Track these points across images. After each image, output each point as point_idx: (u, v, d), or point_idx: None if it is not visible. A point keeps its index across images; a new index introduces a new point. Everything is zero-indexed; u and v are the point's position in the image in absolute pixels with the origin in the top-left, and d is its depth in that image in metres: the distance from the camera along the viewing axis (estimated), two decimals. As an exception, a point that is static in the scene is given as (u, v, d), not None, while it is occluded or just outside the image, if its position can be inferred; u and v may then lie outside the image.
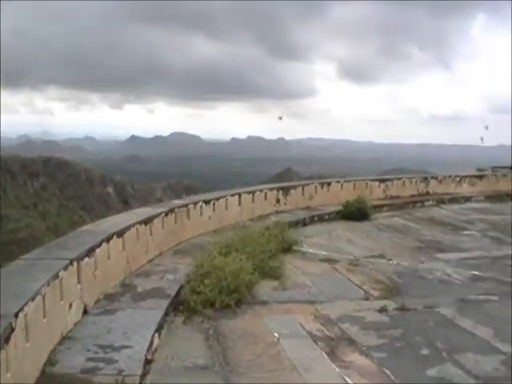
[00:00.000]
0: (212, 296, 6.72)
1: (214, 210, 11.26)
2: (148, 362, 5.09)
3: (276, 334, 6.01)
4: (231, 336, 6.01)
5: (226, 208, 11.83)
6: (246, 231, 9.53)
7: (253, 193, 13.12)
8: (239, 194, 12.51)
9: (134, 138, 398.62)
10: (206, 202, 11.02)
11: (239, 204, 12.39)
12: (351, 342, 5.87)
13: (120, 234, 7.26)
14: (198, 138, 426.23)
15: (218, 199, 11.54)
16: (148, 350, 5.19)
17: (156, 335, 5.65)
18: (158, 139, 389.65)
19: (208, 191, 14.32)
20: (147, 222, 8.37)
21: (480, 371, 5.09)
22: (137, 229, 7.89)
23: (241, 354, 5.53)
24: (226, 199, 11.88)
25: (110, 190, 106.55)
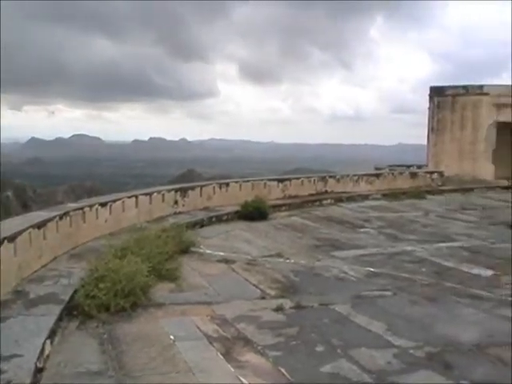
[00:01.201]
0: (107, 300, 6.90)
1: (110, 213, 11.56)
2: (39, 370, 5.18)
3: (172, 337, 6.27)
4: (126, 340, 6.20)
5: (123, 210, 12.18)
6: (143, 233, 9.82)
7: (150, 194, 13.60)
8: (136, 196, 12.96)
9: (34, 140, 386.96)
10: (103, 205, 11.31)
11: (136, 206, 12.82)
12: (247, 341, 6.22)
13: (11, 238, 7.28)
14: (99, 139, 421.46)
15: (114, 201, 11.87)
16: (39, 358, 5.27)
17: (48, 342, 5.73)
18: (58, 141, 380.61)
19: (110, 193, 14.55)
20: (40, 226, 8.47)
21: (373, 365, 5.57)
22: (29, 233, 7.94)
23: (135, 357, 5.74)
24: (123, 201, 12.24)
25: (9, 193, 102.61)
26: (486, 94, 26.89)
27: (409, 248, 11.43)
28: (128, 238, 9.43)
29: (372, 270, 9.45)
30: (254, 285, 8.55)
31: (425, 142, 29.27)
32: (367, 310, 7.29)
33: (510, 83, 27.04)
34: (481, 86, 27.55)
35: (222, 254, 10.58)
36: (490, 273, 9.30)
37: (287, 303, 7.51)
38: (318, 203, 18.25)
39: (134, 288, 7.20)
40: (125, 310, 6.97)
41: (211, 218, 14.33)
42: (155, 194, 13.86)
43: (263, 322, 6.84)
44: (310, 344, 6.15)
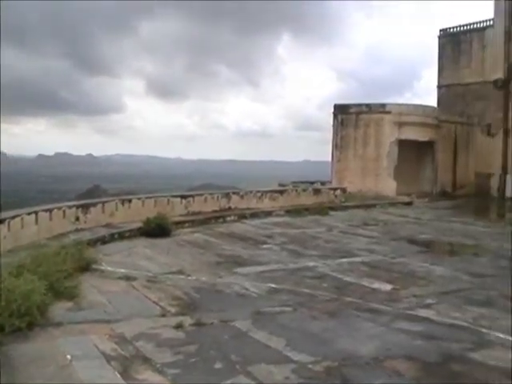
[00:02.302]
0: (1, 320, 6.74)
1: (9, 230, 11.34)
2: None
3: (69, 356, 6.20)
4: (22, 360, 6.09)
5: (22, 227, 12.00)
6: (41, 251, 9.74)
7: (50, 211, 13.49)
8: (36, 213, 12.82)
9: None
10: (1, 222, 11.04)
11: (36, 223, 12.70)
12: (145, 359, 6.23)
13: None
14: (3, 154, 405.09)
15: (13, 218, 11.66)
16: None
17: None
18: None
19: (15, 209, 14.23)
20: None
21: (271, 381, 5.70)
22: None
23: (31, 378, 5.66)
24: (22, 218, 12.06)
25: None
26: (389, 112, 28.11)
27: (311, 264, 11.76)
28: (25, 255, 9.27)
29: (273, 286, 9.66)
30: (154, 302, 8.57)
31: (329, 158, 30.17)
32: (267, 325, 7.45)
33: (411, 102, 28.34)
34: (383, 105, 28.77)
35: (123, 271, 10.56)
36: (389, 287, 9.71)
37: (187, 320, 7.55)
38: (221, 220, 18.56)
39: (30, 307, 7.06)
40: (21, 330, 6.84)
41: (113, 234, 14.34)
42: (55, 210, 13.73)
43: (163, 340, 6.87)
44: (209, 361, 6.22)
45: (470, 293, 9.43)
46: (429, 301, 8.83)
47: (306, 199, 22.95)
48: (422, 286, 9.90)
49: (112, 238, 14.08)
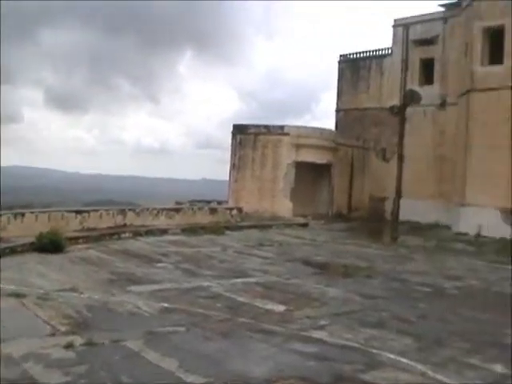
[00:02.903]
0: None
1: None
2: None
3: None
4: None
5: None
6: None
7: None
8: None
9: None
10: None
11: None
12: (33, 381, 6.03)
13: None
14: None
15: None
16: None
17: None
18: None
19: None
20: None
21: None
22: None
23: None
24: None
25: None
26: (287, 134, 28.72)
27: (205, 283, 11.78)
28: None
29: (167, 305, 9.61)
30: (44, 321, 8.32)
31: (228, 178, 30.42)
32: (160, 346, 7.39)
33: (310, 125, 29.12)
34: (282, 127, 29.38)
35: (12, 287, 10.20)
36: (283, 308, 9.87)
37: (78, 340, 7.38)
38: (116, 236, 18.34)
39: None
40: None
41: (4, 249, 13.88)
42: None
43: (52, 361, 6.67)
44: (99, 382, 6.11)
45: (362, 314, 9.74)
46: (322, 322, 9.04)
47: (202, 218, 23.04)
48: (315, 308, 10.13)
49: (3, 253, 13.57)
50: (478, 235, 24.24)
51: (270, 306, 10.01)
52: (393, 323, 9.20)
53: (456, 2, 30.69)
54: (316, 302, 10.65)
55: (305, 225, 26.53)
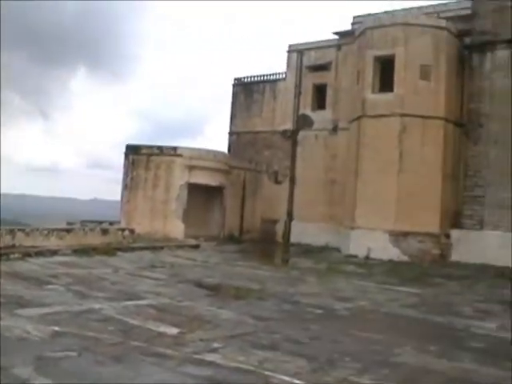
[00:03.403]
0: None
1: None
2: None
3: None
4: None
5: None
6: None
7: None
8: None
9: None
10: None
11: None
12: None
13: None
14: None
15: None
16: None
17: None
18: None
19: None
20: None
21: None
22: None
23: None
24: None
25: None
26: (180, 155, 28.82)
27: (96, 306, 11.56)
28: None
29: (57, 329, 9.35)
30: None
31: (120, 198, 30.09)
32: (50, 372, 7.18)
33: (202, 146, 29.33)
34: (175, 148, 29.46)
35: None
36: (175, 331, 9.84)
37: (-41, 369, 7.06)
38: (4, 257, 17.68)
39: None
40: None
41: None
42: None
43: None
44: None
45: (255, 336, 9.86)
46: (215, 345, 9.09)
47: (94, 239, 22.62)
48: (208, 330, 10.16)
49: None
50: (368, 257, 25.17)
51: (162, 328, 9.96)
52: (286, 345, 9.36)
53: (349, 31, 32.03)
54: (209, 324, 10.68)
55: (197, 246, 26.58)
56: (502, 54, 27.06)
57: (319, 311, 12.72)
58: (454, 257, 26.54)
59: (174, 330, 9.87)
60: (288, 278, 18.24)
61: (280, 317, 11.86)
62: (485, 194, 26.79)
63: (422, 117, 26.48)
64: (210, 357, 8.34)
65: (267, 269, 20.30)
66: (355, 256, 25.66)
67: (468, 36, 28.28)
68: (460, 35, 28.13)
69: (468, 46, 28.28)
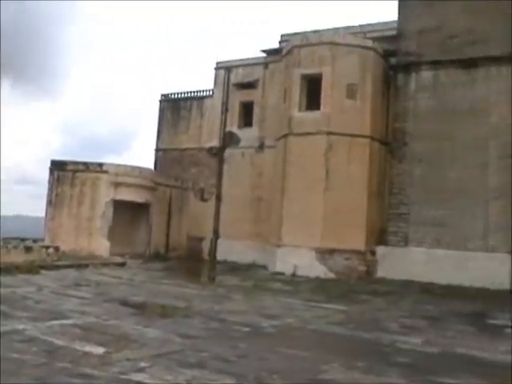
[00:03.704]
0: None
1: None
2: None
3: None
4: None
5: None
6: None
7: None
8: None
9: None
10: None
11: None
12: None
13: None
14: None
15: None
16: None
17: None
18: None
19: None
20: None
21: None
22: None
23: None
24: None
25: None
26: (106, 172, 28.46)
27: (20, 326, 11.17)
28: None
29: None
30: None
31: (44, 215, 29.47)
32: (-33, 395, 6.93)
33: (129, 163, 29.08)
34: (101, 164, 29.08)
35: None
36: (101, 350, 9.64)
37: None
38: None
39: None
40: None
41: None
42: None
43: None
44: None
45: (182, 355, 9.75)
46: (142, 364, 8.93)
47: (17, 257, 22.02)
48: (135, 349, 9.99)
49: None
50: (294, 275, 25.38)
51: (88, 348, 9.73)
52: (213, 363, 9.30)
53: (277, 49, 32.48)
54: (135, 343, 10.50)
55: (122, 264, 26.21)
56: (426, 74, 28.01)
57: (246, 329, 12.69)
58: (380, 273, 27.11)
59: (100, 350, 9.66)
60: (214, 296, 18.17)
61: (207, 335, 11.78)
62: (409, 211, 27.52)
63: (348, 135, 27.02)
64: (137, 376, 8.20)
65: (193, 287, 20.18)
66: (282, 273, 25.83)
67: (394, 56, 29.14)
68: (386, 55, 28.96)
69: (393, 66, 29.13)
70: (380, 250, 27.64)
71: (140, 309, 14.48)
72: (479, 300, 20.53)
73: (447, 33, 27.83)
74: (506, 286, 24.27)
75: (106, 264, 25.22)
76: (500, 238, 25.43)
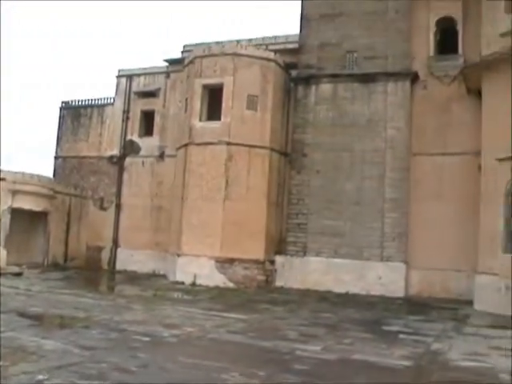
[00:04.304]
0: None
1: None
2: None
3: None
4: None
5: None
6: None
7: None
8: None
9: None
10: None
11: None
12: None
13: None
14: None
15: None
16: None
17: None
18: None
19: None
20: None
21: None
22: None
23: None
24: None
25: None
26: (3, 179, 27.61)
27: None
28: None
29: None
30: None
31: None
32: None
33: (25, 171, 28.37)
34: (-3, 172, 28.15)
35: None
36: (-3, 363, 9.42)
37: None
38: None
39: None
40: None
41: None
42: None
43: None
44: None
45: (81, 366, 9.64)
46: (40, 377, 8.77)
47: None
48: (32, 362, 9.79)
49: None
50: (194, 284, 25.45)
51: (-17, 362, 9.48)
52: (114, 374, 9.26)
53: (179, 58, 32.53)
54: (33, 355, 10.29)
55: (19, 274, 25.50)
56: (325, 87, 28.79)
57: (146, 339, 12.66)
58: (279, 282, 27.58)
59: (-7, 364, 9.42)
60: (114, 306, 17.99)
61: (107, 345, 11.69)
62: (308, 221, 28.13)
63: (248, 146, 27.36)
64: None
65: (93, 296, 19.90)
66: (182, 283, 25.82)
67: (295, 69, 29.77)
68: (287, 68, 29.56)
69: (294, 78, 29.75)
70: (279, 259, 28.11)
71: (38, 320, 14.20)
72: (376, 307, 21.30)
73: (347, 48, 28.81)
74: (401, 294, 25.36)
75: (2, 274, 24.43)
76: (395, 248, 26.48)
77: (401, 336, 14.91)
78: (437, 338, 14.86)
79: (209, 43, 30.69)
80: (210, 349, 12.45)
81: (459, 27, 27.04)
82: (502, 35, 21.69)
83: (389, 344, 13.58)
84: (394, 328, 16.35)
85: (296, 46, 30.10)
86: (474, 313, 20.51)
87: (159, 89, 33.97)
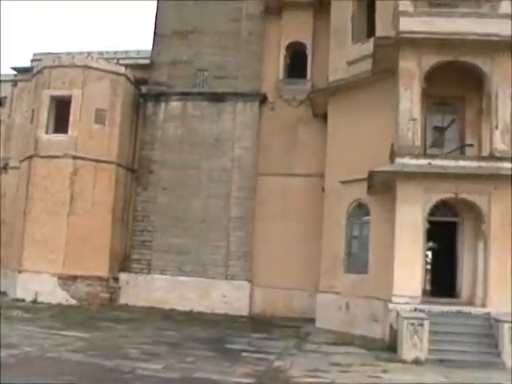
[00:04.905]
0: None
1: None
2: None
3: None
4: None
5: None
6: None
7: None
8: None
9: None
10: None
11: None
12: None
13: None
14: None
15: None
16: None
17: None
18: None
19: None
20: None
21: None
22: None
23: None
24: None
25: None
26: None
27: None
28: None
29: None
30: None
31: None
32: None
33: None
34: None
35: None
36: None
37: None
38: None
39: None
40: None
41: None
42: None
43: None
44: None
45: None
46: None
47: None
48: None
49: None
50: (35, 301, 24.62)
51: None
52: None
53: (28, 67, 31.46)
54: None
55: None
56: (174, 104, 29.03)
57: (-20, 360, 12.16)
58: (123, 300, 27.29)
59: None
60: None
61: None
62: (153, 238, 28.10)
63: (95, 160, 26.97)
64: None
65: None
66: (22, 300, 24.87)
67: (145, 85, 29.74)
68: (137, 83, 29.47)
69: (144, 94, 29.74)
70: (123, 276, 27.83)
71: None
72: (220, 326, 21.68)
73: (198, 66, 29.24)
74: (245, 312, 25.94)
75: None
76: (240, 266, 27.04)
77: (243, 354, 15.33)
78: (279, 355, 15.42)
79: (59, 53, 29.88)
80: (49, 368, 12.20)
81: (308, 52, 28.26)
82: (349, 63, 23.02)
83: (231, 362, 13.92)
84: (237, 346, 16.75)
85: (148, 61, 30.12)
86: (316, 330, 21.45)
87: (5, 97, 32.61)
